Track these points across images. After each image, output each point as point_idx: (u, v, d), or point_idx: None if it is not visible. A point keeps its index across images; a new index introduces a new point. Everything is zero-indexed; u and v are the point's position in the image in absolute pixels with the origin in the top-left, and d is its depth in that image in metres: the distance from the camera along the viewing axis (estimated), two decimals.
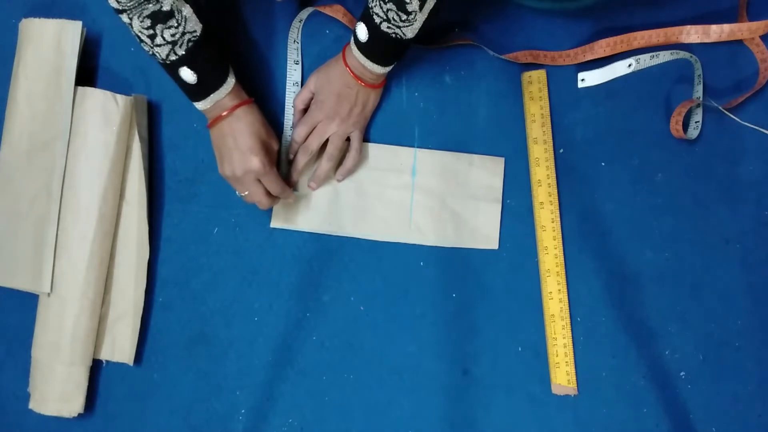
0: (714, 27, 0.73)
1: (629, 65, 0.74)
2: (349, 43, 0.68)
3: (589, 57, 0.74)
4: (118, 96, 0.72)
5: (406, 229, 0.75)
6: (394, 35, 0.63)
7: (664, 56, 0.74)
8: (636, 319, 0.73)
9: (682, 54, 0.74)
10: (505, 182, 0.75)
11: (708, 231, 0.73)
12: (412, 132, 0.76)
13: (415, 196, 0.75)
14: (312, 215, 0.75)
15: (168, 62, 0.62)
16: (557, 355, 0.72)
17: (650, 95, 0.75)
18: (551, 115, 0.75)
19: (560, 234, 0.73)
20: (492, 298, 0.74)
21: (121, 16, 0.59)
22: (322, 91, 0.71)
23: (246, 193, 0.69)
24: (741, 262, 0.73)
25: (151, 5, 0.58)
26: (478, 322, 0.74)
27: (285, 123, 0.75)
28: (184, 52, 0.61)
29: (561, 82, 0.75)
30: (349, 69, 0.68)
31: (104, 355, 0.74)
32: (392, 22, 0.61)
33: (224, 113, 0.66)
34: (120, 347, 0.74)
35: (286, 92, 0.76)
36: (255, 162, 0.66)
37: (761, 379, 0.72)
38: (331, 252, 0.75)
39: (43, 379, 0.72)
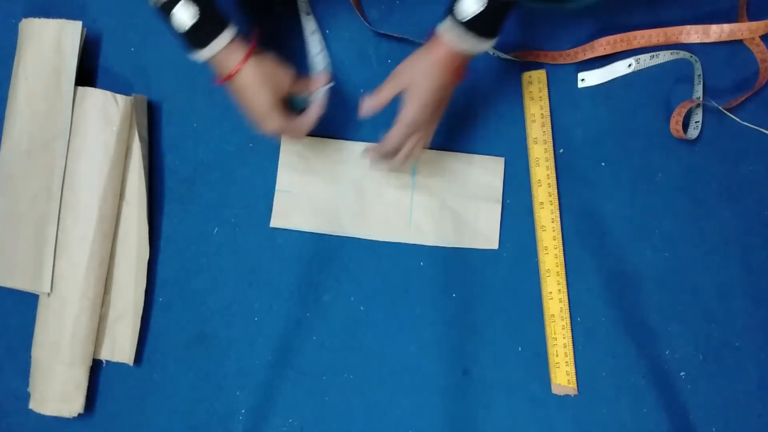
0: (714, 27, 0.73)
1: (629, 65, 0.74)
2: (438, 36, 0.59)
3: (590, 55, 0.74)
4: (118, 96, 0.72)
5: (406, 229, 0.75)
6: None
7: (664, 56, 0.74)
8: (636, 319, 0.73)
9: (682, 54, 0.74)
10: (505, 182, 0.75)
11: (708, 231, 0.73)
12: None
13: (415, 196, 0.75)
14: (312, 215, 0.75)
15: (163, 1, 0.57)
16: (557, 355, 0.72)
17: (650, 95, 0.75)
18: (551, 115, 0.75)
19: (560, 234, 0.73)
20: (492, 298, 0.74)
21: None
22: (423, 95, 0.61)
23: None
24: (741, 262, 0.73)
25: None
26: (478, 322, 0.74)
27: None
28: None
29: (561, 82, 0.75)
30: (457, 65, 0.60)
31: (104, 355, 0.74)
32: None
33: (232, 72, 0.60)
34: (120, 347, 0.74)
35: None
36: (270, 125, 0.63)
37: (761, 379, 0.72)
38: (331, 252, 0.75)
39: (43, 379, 0.72)
